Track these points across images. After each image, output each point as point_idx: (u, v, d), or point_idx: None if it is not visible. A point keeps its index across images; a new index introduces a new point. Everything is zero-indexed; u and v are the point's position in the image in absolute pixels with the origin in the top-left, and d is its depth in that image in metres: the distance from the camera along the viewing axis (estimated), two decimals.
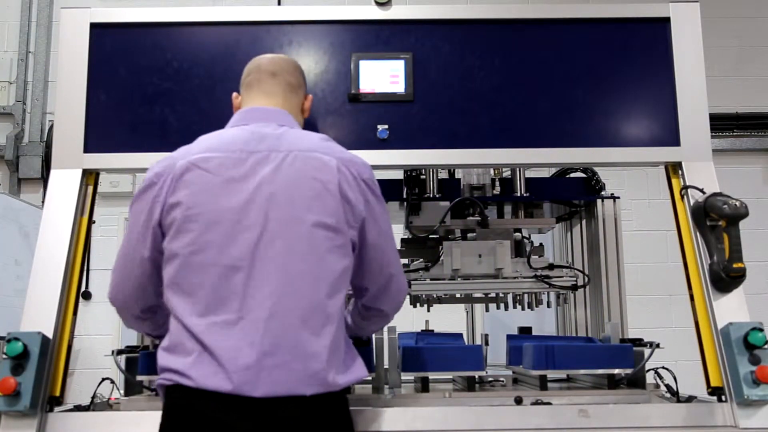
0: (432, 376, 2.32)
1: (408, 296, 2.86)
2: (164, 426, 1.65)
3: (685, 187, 2.27)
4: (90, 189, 2.31)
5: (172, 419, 1.64)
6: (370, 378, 2.28)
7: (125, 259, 1.80)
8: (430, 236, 2.81)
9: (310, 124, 2.32)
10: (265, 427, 1.58)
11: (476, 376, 2.36)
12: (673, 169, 2.35)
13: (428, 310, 2.87)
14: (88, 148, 2.30)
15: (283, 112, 1.89)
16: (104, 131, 2.32)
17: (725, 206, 2.12)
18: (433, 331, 2.87)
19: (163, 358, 1.66)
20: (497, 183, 2.78)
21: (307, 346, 1.61)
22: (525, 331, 2.93)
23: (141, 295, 1.81)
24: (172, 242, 1.68)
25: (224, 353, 1.58)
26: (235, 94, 2.03)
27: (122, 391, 2.37)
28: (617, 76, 2.39)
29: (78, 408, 2.09)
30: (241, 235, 1.65)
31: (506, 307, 2.90)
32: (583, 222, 3.02)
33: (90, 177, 2.32)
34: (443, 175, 2.82)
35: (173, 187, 1.70)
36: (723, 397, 2.03)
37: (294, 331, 1.61)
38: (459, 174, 2.85)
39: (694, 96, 2.35)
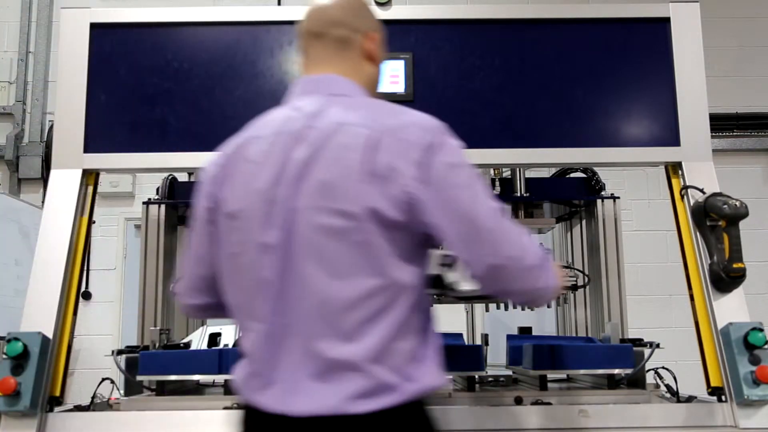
0: None
1: None
2: None
3: (685, 187, 2.27)
4: (90, 189, 2.31)
5: None
6: None
7: None
8: None
9: None
10: None
11: (476, 376, 2.35)
12: (673, 169, 2.35)
13: None
14: (88, 148, 2.30)
15: (333, 77, 1.48)
16: (104, 131, 2.32)
17: (725, 206, 2.12)
18: None
19: None
20: (497, 183, 2.78)
21: None
22: (525, 331, 2.92)
23: None
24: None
25: None
26: None
27: (122, 391, 2.37)
28: (617, 76, 2.39)
29: (78, 408, 2.09)
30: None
31: (506, 307, 2.90)
32: (583, 222, 3.02)
33: (90, 177, 2.32)
34: None
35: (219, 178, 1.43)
36: (723, 397, 2.03)
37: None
38: None
39: (694, 96, 2.35)
